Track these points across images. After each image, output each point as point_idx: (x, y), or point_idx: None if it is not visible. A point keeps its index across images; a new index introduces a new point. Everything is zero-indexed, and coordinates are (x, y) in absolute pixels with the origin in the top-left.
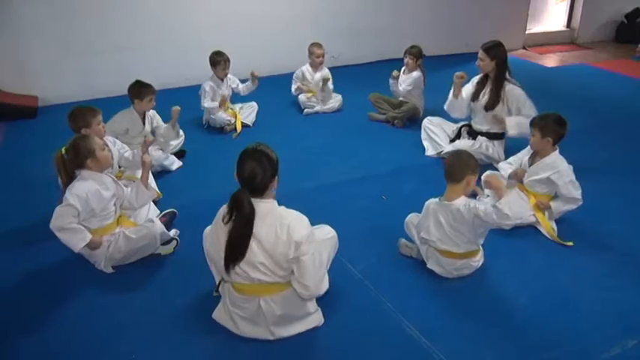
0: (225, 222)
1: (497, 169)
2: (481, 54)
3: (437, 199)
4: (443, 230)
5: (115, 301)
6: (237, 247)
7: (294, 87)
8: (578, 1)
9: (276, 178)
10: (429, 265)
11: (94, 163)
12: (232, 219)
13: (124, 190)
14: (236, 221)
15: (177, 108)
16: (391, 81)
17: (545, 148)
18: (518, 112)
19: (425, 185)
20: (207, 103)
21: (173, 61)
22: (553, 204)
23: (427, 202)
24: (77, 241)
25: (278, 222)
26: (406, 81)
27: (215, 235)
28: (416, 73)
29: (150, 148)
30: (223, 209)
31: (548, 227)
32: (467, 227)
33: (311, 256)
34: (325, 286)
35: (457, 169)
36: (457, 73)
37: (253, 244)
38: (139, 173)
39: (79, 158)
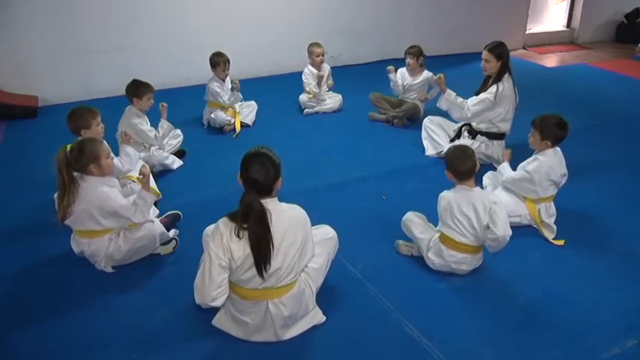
0: (240, 236)
1: (496, 170)
2: (486, 55)
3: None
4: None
5: (115, 301)
6: (262, 248)
7: (310, 85)
8: (578, 1)
9: (280, 179)
10: (428, 254)
11: (97, 169)
12: (248, 225)
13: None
14: (251, 224)
15: (163, 104)
16: (390, 76)
17: (544, 149)
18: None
19: (425, 185)
20: (227, 98)
21: (173, 61)
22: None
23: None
24: (148, 199)
25: (291, 212)
26: (418, 81)
27: (241, 251)
28: (427, 72)
29: (152, 149)
30: (228, 224)
31: (537, 220)
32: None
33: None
34: None
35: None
36: (436, 77)
37: (283, 246)
38: (135, 173)
39: (82, 161)
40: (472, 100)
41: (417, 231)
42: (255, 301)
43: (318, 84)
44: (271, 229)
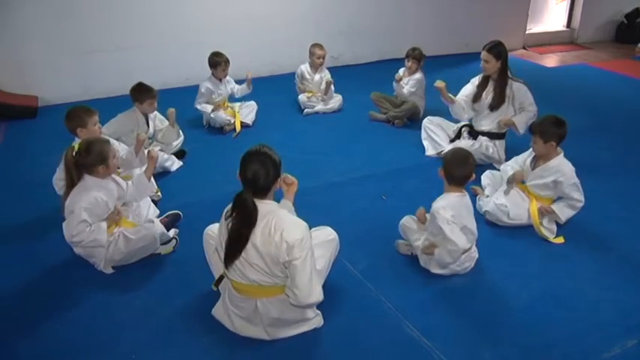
0: (226, 217)
1: (496, 169)
2: (485, 55)
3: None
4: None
5: (115, 301)
6: (235, 245)
7: (300, 86)
8: (578, 1)
9: (279, 179)
10: (432, 270)
11: (104, 170)
12: (233, 217)
13: (125, 189)
14: (236, 219)
15: (172, 110)
16: (395, 84)
17: (549, 152)
18: (521, 109)
19: (425, 185)
20: (199, 105)
21: (173, 61)
22: (556, 208)
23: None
24: (100, 238)
25: (274, 223)
26: (409, 83)
27: (219, 230)
28: (419, 75)
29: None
30: (229, 208)
31: (537, 223)
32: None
33: (303, 260)
34: (318, 296)
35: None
36: (436, 84)
37: (249, 244)
38: (134, 173)
39: (90, 162)
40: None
41: (412, 237)
42: (246, 296)
43: (326, 91)
44: (255, 229)
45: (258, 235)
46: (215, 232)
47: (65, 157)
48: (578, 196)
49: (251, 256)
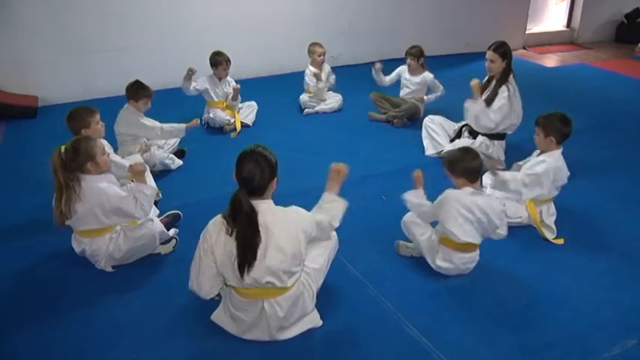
0: (230, 233)
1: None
2: (491, 55)
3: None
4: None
5: (115, 301)
6: (248, 249)
7: (311, 83)
8: (578, 1)
9: (275, 179)
10: (437, 262)
11: (94, 167)
12: (235, 224)
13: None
14: (239, 224)
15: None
16: (402, 81)
17: (548, 148)
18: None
19: (425, 185)
20: (191, 84)
21: (173, 61)
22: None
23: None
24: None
25: (287, 220)
26: (417, 81)
27: (222, 248)
28: (427, 74)
29: (153, 148)
30: (218, 223)
31: (537, 222)
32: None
33: (317, 224)
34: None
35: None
36: (472, 83)
37: (272, 249)
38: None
39: (78, 160)
40: (490, 111)
41: (418, 232)
42: (252, 300)
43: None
44: (260, 231)
45: (281, 237)
46: (213, 235)
47: (52, 160)
48: (518, 186)
49: (273, 258)
